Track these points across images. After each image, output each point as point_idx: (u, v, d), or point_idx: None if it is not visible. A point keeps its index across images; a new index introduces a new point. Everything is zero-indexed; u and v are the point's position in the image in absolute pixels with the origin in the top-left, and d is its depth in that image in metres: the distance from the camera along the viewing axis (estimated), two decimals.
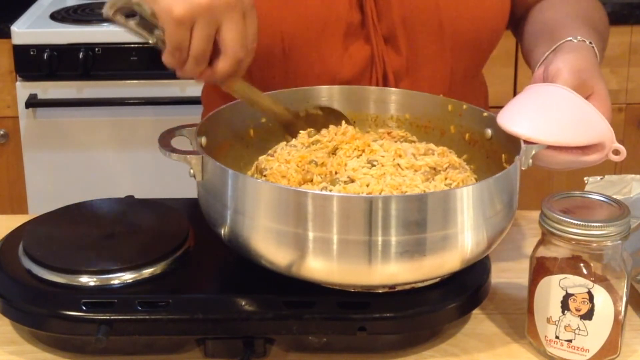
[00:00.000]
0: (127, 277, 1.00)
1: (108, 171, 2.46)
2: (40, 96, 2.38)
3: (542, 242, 0.99)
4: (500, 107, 1.08)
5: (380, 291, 0.98)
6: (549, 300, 0.97)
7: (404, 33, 1.26)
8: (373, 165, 1.04)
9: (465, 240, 0.94)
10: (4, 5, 2.53)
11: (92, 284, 1.00)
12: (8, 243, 1.08)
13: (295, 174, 1.04)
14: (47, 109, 2.40)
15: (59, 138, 2.43)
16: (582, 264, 0.95)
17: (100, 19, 2.46)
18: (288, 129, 1.14)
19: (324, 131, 1.13)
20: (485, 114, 1.10)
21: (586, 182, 1.23)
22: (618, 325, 0.97)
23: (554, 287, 0.96)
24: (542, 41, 1.20)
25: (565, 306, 0.96)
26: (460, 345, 1.02)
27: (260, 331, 0.98)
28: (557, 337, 0.98)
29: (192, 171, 0.99)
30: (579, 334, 0.97)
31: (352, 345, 1.00)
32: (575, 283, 0.95)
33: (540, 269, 0.98)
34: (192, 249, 1.06)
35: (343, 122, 1.15)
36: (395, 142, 1.13)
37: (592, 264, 0.95)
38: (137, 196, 1.20)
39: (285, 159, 1.07)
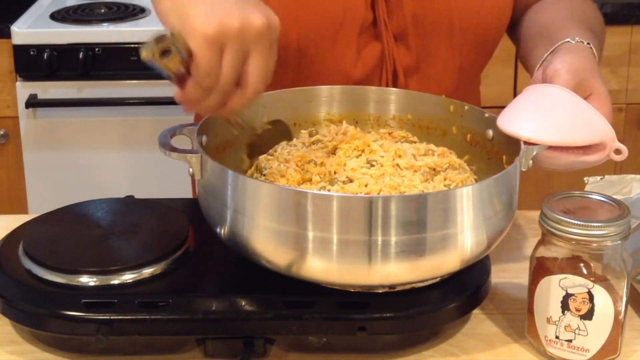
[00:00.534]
0: (127, 277, 1.00)
1: (108, 171, 2.46)
2: (40, 96, 2.39)
3: (542, 242, 0.99)
4: (501, 108, 1.08)
5: (380, 291, 0.98)
6: (549, 300, 0.97)
7: (414, 31, 1.27)
8: (372, 166, 1.04)
9: (465, 240, 0.94)
10: (4, 5, 2.53)
11: (92, 284, 1.00)
12: (8, 243, 1.08)
13: (294, 174, 1.04)
14: (47, 109, 2.40)
15: (59, 138, 2.43)
16: (582, 264, 0.95)
17: (101, 19, 2.46)
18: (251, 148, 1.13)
19: (324, 131, 1.13)
20: (486, 114, 1.10)
21: (586, 182, 1.23)
22: (618, 325, 0.97)
23: (554, 287, 0.96)
24: (540, 43, 1.20)
25: (565, 306, 0.96)
26: (460, 345, 1.02)
27: (260, 331, 0.98)
28: (557, 337, 0.98)
29: (191, 170, 0.99)
30: (579, 334, 0.97)
31: (352, 345, 1.00)
32: (575, 283, 0.95)
33: (540, 269, 0.98)
34: (192, 249, 1.06)
35: (344, 121, 1.15)
36: (396, 142, 1.13)
37: (592, 264, 0.95)
38: (137, 196, 1.20)
39: (284, 159, 1.08)
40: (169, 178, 2.35)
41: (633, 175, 1.23)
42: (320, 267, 0.93)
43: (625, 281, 0.96)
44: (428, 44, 1.28)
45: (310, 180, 1.04)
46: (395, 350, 1.01)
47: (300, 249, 0.92)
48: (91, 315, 0.96)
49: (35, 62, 2.36)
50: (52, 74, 2.37)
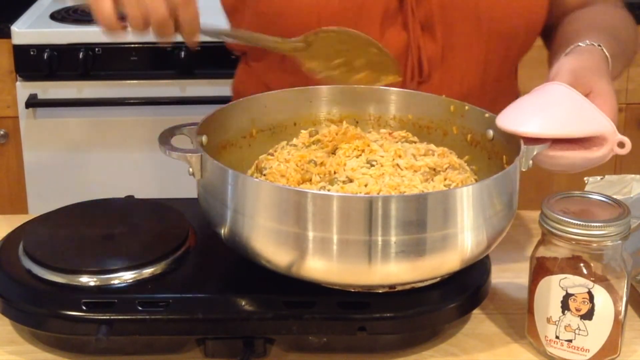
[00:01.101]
0: (127, 277, 1.00)
1: (108, 171, 2.46)
2: (40, 96, 2.38)
3: (542, 242, 0.99)
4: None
5: (380, 291, 0.98)
6: (549, 300, 0.97)
7: (441, 20, 1.27)
8: (372, 166, 1.04)
9: (465, 240, 0.94)
10: (4, 5, 2.52)
11: (92, 284, 1.00)
12: (8, 243, 1.08)
13: (294, 174, 1.04)
14: (47, 109, 2.40)
15: (59, 138, 2.43)
16: (582, 264, 0.95)
17: None
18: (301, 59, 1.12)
19: (324, 131, 1.13)
20: (487, 114, 1.10)
21: (586, 182, 1.23)
22: (618, 325, 0.97)
23: (554, 287, 0.96)
24: (560, 52, 1.20)
25: (565, 306, 0.96)
26: (460, 345, 1.02)
27: (260, 331, 0.98)
28: (557, 337, 0.98)
29: (191, 170, 0.99)
30: (579, 334, 0.97)
31: (352, 345, 1.00)
32: (575, 283, 0.95)
33: (540, 269, 0.98)
34: (192, 249, 1.06)
35: (344, 122, 1.15)
36: (396, 142, 1.13)
37: (592, 264, 0.95)
38: (137, 196, 1.20)
39: (284, 158, 1.08)
40: (169, 178, 2.35)
41: (633, 175, 1.23)
42: (320, 267, 0.93)
43: (625, 281, 0.96)
44: (454, 36, 1.28)
45: (310, 180, 1.04)
46: (395, 350, 1.01)
47: (300, 248, 0.92)
48: (91, 315, 0.96)
49: (35, 62, 2.35)
50: (52, 74, 2.36)
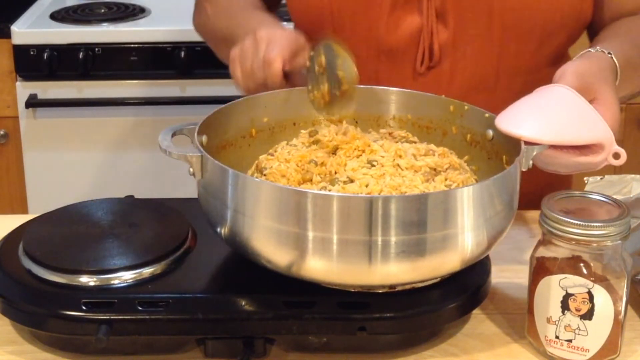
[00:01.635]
0: (127, 277, 1.00)
1: (108, 171, 2.46)
2: (40, 96, 2.38)
3: (542, 242, 0.99)
4: None
5: (380, 291, 0.98)
6: (549, 300, 0.97)
7: (454, 8, 1.28)
8: (373, 166, 1.04)
9: (465, 240, 0.94)
10: (4, 5, 2.53)
11: (92, 284, 1.00)
12: (8, 243, 1.08)
13: (295, 174, 1.04)
14: (47, 109, 2.40)
15: (59, 138, 2.43)
16: (582, 264, 0.95)
17: (101, 19, 2.46)
18: None
19: (324, 131, 1.13)
20: (486, 114, 1.10)
21: (586, 182, 1.23)
22: (618, 325, 0.97)
23: (554, 287, 0.96)
24: None
25: (565, 306, 0.96)
26: (460, 345, 1.02)
27: (260, 331, 0.98)
28: (557, 337, 0.98)
29: (191, 170, 0.99)
30: (579, 334, 0.97)
31: (352, 345, 1.00)
32: (575, 283, 0.95)
33: (540, 269, 0.98)
34: (192, 249, 1.06)
35: (344, 122, 1.15)
36: (396, 142, 1.13)
37: (592, 264, 0.95)
38: (137, 196, 1.20)
39: (285, 158, 1.08)
40: (169, 178, 2.35)
41: (633, 175, 1.23)
42: (320, 267, 0.93)
43: (625, 281, 0.96)
44: (466, 24, 1.29)
45: (311, 180, 1.04)
46: (395, 350, 1.01)
47: (301, 248, 0.92)
48: (91, 315, 0.96)
49: (35, 62, 2.35)
50: (52, 74, 2.36)
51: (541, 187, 1.19)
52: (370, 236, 0.91)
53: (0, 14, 2.46)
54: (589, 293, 0.95)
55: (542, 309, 0.98)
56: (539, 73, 1.33)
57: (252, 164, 1.12)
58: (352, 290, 0.98)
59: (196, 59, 2.34)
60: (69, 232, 1.09)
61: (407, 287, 0.98)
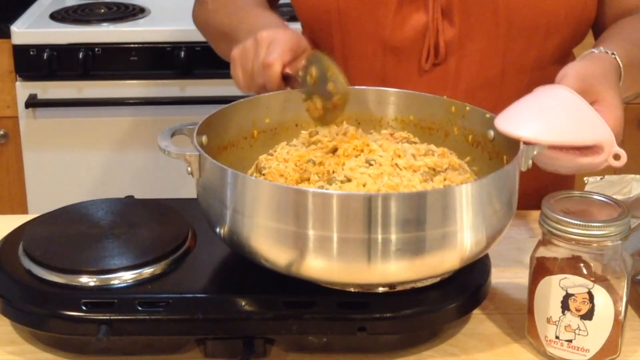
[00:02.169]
0: (127, 277, 1.00)
1: (108, 171, 2.46)
2: (40, 96, 2.38)
3: (542, 242, 0.99)
4: None
5: (380, 291, 0.98)
6: (549, 300, 0.97)
7: (459, 6, 1.28)
8: (371, 165, 1.04)
9: (464, 238, 0.94)
10: (4, 5, 2.53)
11: (92, 284, 1.00)
12: (8, 243, 1.08)
13: (293, 173, 1.04)
14: (47, 109, 2.40)
15: (59, 138, 2.43)
16: (582, 264, 0.95)
17: (100, 19, 2.46)
18: None
19: (324, 131, 1.13)
20: (487, 115, 1.10)
21: (586, 182, 1.23)
22: (618, 325, 0.97)
23: (554, 287, 0.96)
24: None
25: (565, 306, 0.96)
26: (460, 345, 1.02)
27: (260, 331, 0.98)
28: (557, 337, 0.98)
29: (189, 169, 0.99)
30: (579, 334, 0.97)
31: (352, 345, 1.00)
32: (575, 283, 0.95)
33: (540, 269, 0.98)
34: (192, 249, 1.06)
35: (344, 122, 1.15)
36: (397, 143, 1.13)
37: (592, 264, 0.95)
38: (137, 196, 1.20)
39: (284, 158, 1.07)
40: (169, 178, 2.35)
41: (633, 175, 1.23)
42: (320, 265, 0.93)
43: (625, 281, 0.96)
44: (472, 22, 1.29)
45: (309, 179, 1.04)
46: (395, 350, 1.01)
47: (300, 247, 0.92)
48: (91, 315, 0.96)
49: (35, 62, 2.35)
50: (52, 74, 2.37)
51: (542, 187, 1.19)
52: (369, 234, 0.91)
53: (0, 14, 2.46)
54: (589, 293, 0.95)
55: (542, 309, 0.98)
56: (544, 70, 1.33)
57: (253, 165, 1.12)
58: (352, 290, 0.98)
59: (196, 59, 2.34)
60: (69, 232, 1.09)
61: (407, 287, 0.98)
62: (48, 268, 1.01)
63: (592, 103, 1.07)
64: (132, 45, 2.37)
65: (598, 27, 1.34)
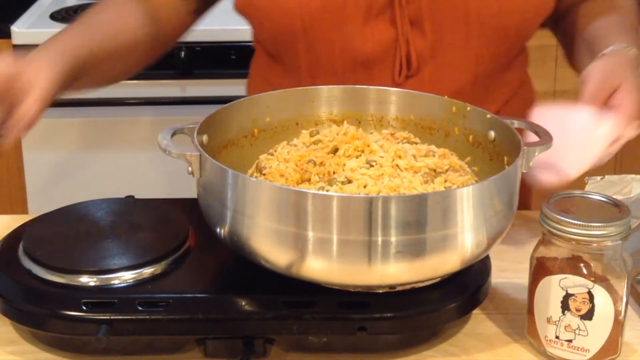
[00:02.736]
0: (127, 277, 1.00)
1: (108, 171, 2.46)
2: None
3: (542, 242, 0.99)
4: None
5: (380, 291, 0.98)
6: (549, 300, 0.97)
7: (430, 16, 1.27)
8: (371, 166, 1.04)
9: (465, 240, 0.94)
10: (4, 5, 2.52)
11: (92, 284, 1.00)
12: (8, 243, 1.08)
13: (293, 173, 1.04)
14: (47, 109, 2.40)
15: (59, 138, 2.43)
16: (582, 264, 0.95)
17: None
18: None
19: (325, 131, 1.13)
20: (488, 115, 1.10)
21: (586, 182, 1.23)
22: (618, 325, 0.97)
23: (554, 287, 0.96)
24: (586, 60, 1.24)
25: (565, 306, 0.96)
26: (460, 345, 1.02)
27: (260, 331, 0.98)
28: (557, 337, 0.98)
29: (190, 169, 0.99)
30: (579, 334, 0.97)
31: (352, 345, 1.00)
32: (575, 283, 0.95)
33: (540, 269, 0.98)
34: (192, 249, 1.06)
35: (345, 122, 1.15)
36: (398, 143, 1.13)
37: (592, 264, 0.95)
38: (137, 196, 1.20)
39: (284, 158, 1.07)
40: (169, 178, 2.35)
41: (633, 176, 1.23)
42: (320, 267, 0.93)
43: (625, 281, 0.96)
44: (443, 32, 1.28)
45: (309, 180, 1.04)
46: (395, 350, 1.01)
47: (300, 249, 0.92)
48: (91, 316, 0.96)
49: None
50: None
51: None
52: (370, 236, 0.91)
53: (0, 14, 2.46)
54: (589, 293, 0.95)
55: (542, 309, 0.98)
56: (509, 71, 1.37)
57: (253, 164, 1.12)
58: (352, 290, 0.98)
59: (196, 59, 2.34)
60: (69, 232, 1.09)
61: (407, 287, 0.98)
62: (48, 268, 1.01)
63: (614, 92, 1.11)
64: None
65: (554, 14, 1.36)
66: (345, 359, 1.00)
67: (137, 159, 2.44)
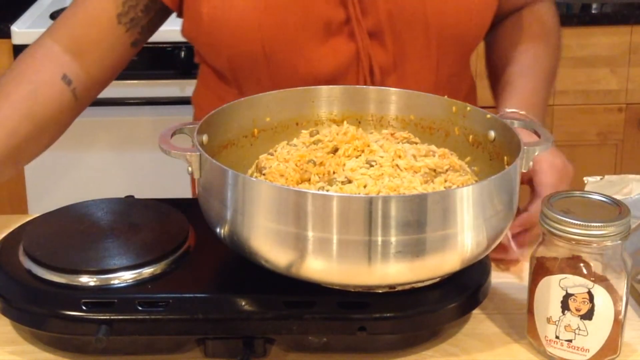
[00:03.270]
0: (127, 277, 1.00)
1: (108, 171, 2.46)
2: None
3: (542, 242, 0.99)
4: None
5: (380, 291, 0.98)
6: (549, 300, 0.97)
7: (389, 28, 1.27)
8: (371, 166, 1.04)
9: (465, 240, 0.94)
10: (4, 5, 2.53)
11: (92, 284, 1.00)
12: (8, 243, 1.08)
13: (293, 173, 1.04)
14: None
15: (59, 138, 2.43)
16: (582, 264, 0.95)
17: None
18: None
19: (325, 131, 1.13)
20: (488, 115, 1.10)
21: (586, 182, 1.23)
22: (618, 325, 0.97)
23: (554, 287, 0.96)
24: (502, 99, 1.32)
25: (565, 306, 0.96)
26: (460, 345, 1.02)
27: (260, 331, 0.98)
28: (557, 337, 0.98)
29: (190, 169, 0.99)
30: (579, 334, 0.97)
31: (352, 345, 1.00)
32: (575, 283, 0.95)
33: (540, 269, 0.98)
34: (192, 249, 1.06)
35: (345, 122, 1.15)
36: (397, 143, 1.13)
37: (592, 264, 0.95)
38: (137, 196, 1.20)
39: (284, 158, 1.07)
40: (169, 178, 2.34)
41: (633, 176, 1.23)
42: (320, 267, 0.93)
43: (625, 281, 0.96)
44: (404, 43, 1.28)
45: (309, 180, 1.04)
46: (395, 350, 1.01)
47: (300, 249, 0.92)
48: (91, 316, 0.96)
49: None
50: None
51: None
52: (369, 236, 0.91)
53: (0, 14, 2.46)
54: (589, 293, 0.95)
55: (542, 309, 0.98)
56: (463, 75, 1.41)
57: (253, 164, 1.12)
58: (352, 290, 0.98)
59: None
60: (69, 232, 1.09)
61: (407, 287, 0.98)
62: (48, 268, 1.01)
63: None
64: None
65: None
66: (345, 359, 1.00)
67: (137, 159, 2.44)
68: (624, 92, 2.56)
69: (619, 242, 0.95)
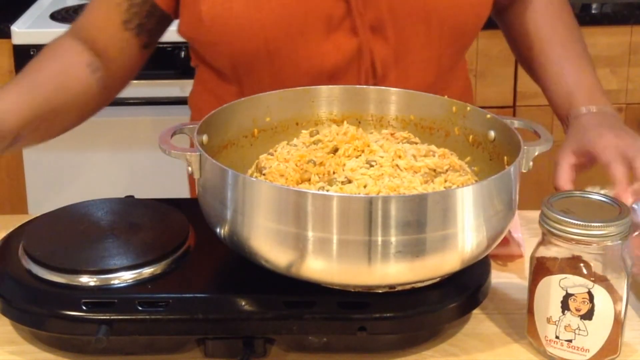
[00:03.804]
0: (127, 277, 1.00)
1: (108, 171, 2.46)
2: None
3: (542, 242, 0.99)
4: (501, 107, 1.09)
5: (380, 291, 0.98)
6: (549, 300, 0.97)
7: (391, 22, 1.27)
8: (371, 166, 1.04)
9: (465, 240, 0.94)
10: (4, 5, 2.53)
11: (92, 284, 1.00)
12: (8, 243, 1.08)
13: (293, 173, 1.04)
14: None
15: (59, 138, 2.42)
16: (582, 264, 0.95)
17: None
18: None
19: (325, 131, 1.13)
20: (488, 115, 1.10)
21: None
22: (618, 325, 0.97)
23: (554, 287, 0.96)
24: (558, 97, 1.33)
25: (565, 306, 0.96)
26: (460, 345, 1.02)
27: (260, 331, 0.98)
28: (557, 337, 0.98)
29: (190, 169, 0.99)
30: (579, 334, 0.97)
31: (352, 345, 1.00)
32: (575, 283, 0.95)
33: (540, 269, 0.98)
34: (192, 249, 1.06)
35: (345, 122, 1.15)
36: (397, 143, 1.13)
37: (592, 264, 0.95)
38: (137, 196, 1.20)
39: (284, 158, 1.07)
40: (169, 178, 2.34)
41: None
42: (320, 267, 0.93)
43: (625, 281, 0.96)
44: (406, 36, 1.28)
45: (309, 180, 1.04)
46: (395, 350, 1.01)
47: (300, 249, 0.92)
48: (91, 316, 0.96)
49: None
50: None
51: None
52: (369, 236, 0.91)
53: (0, 14, 2.46)
54: (589, 293, 0.95)
55: (542, 309, 0.98)
56: (461, 67, 1.42)
57: (253, 164, 1.12)
58: (352, 290, 0.98)
59: None
60: (69, 232, 1.09)
61: (407, 287, 0.98)
62: (48, 268, 1.01)
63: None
64: None
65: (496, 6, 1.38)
66: (345, 359, 1.00)
67: (137, 159, 2.44)
68: (624, 92, 2.55)
69: (619, 242, 0.95)
